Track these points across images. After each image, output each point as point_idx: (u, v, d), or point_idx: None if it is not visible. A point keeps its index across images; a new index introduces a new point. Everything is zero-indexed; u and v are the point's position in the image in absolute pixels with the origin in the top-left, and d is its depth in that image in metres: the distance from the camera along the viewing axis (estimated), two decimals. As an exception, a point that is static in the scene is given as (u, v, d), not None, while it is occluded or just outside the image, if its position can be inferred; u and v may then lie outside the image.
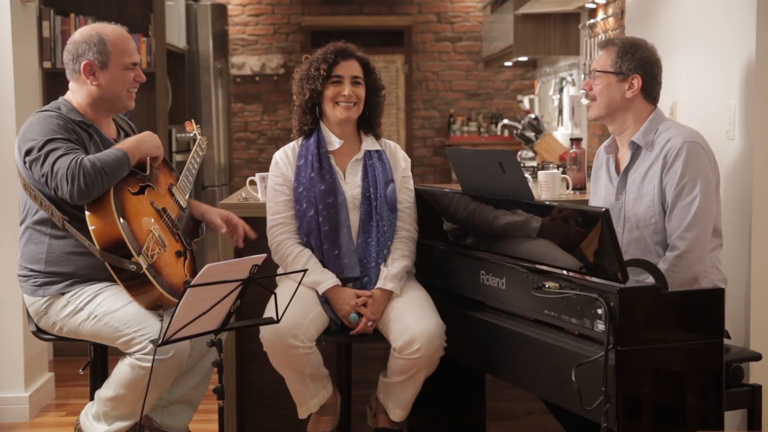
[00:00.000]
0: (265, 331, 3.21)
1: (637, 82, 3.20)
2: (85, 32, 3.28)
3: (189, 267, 3.31)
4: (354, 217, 3.39)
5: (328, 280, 3.31)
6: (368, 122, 3.49)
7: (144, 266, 3.06)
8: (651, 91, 3.23)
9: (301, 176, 3.40)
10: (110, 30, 3.29)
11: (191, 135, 3.63)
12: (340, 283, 3.32)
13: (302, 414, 3.37)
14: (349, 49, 3.43)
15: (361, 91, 3.42)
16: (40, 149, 3.09)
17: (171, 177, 3.40)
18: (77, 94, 3.28)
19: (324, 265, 3.36)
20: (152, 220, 3.19)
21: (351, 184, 3.40)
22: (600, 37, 5.98)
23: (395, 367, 3.26)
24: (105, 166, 3.07)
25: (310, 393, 3.32)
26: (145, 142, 3.26)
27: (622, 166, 3.27)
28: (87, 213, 3.09)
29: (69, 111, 3.23)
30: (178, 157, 6.48)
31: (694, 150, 3.08)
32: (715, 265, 3.16)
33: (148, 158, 3.29)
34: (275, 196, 3.44)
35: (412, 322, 3.21)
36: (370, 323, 3.27)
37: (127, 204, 3.13)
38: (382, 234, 3.37)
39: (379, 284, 3.31)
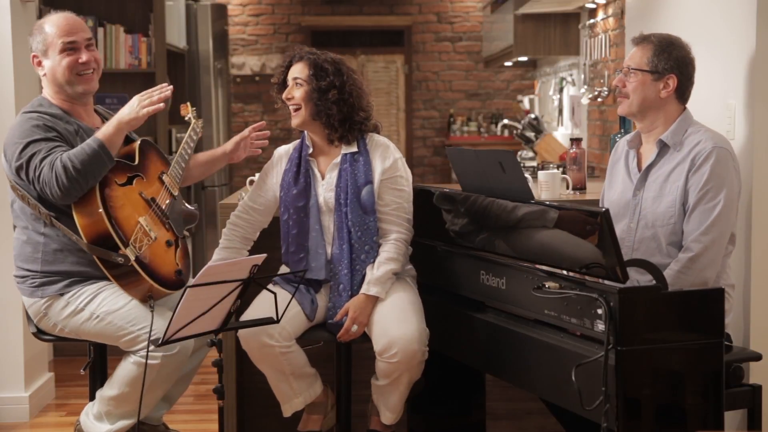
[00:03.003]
0: (241, 330, 3.23)
1: (672, 82, 3.17)
2: (37, 24, 3.30)
3: (181, 256, 3.30)
4: (329, 221, 3.38)
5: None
6: (329, 126, 3.38)
7: (132, 258, 3.06)
8: (684, 91, 3.21)
9: (284, 180, 3.43)
10: (54, 16, 3.28)
11: (186, 118, 3.61)
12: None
13: (286, 412, 3.39)
14: (298, 53, 3.42)
15: (301, 92, 3.35)
16: (20, 155, 3.09)
17: (162, 165, 3.38)
18: (46, 88, 3.29)
19: (288, 266, 3.40)
20: (140, 210, 3.19)
21: (326, 188, 3.39)
22: (600, 37, 5.98)
23: (379, 371, 3.27)
24: (79, 165, 3.04)
25: (293, 392, 3.34)
26: (122, 120, 3.18)
27: (644, 163, 3.25)
28: (73, 207, 3.10)
29: (49, 106, 3.23)
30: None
31: (723, 156, 3.08)
32: (724, 270, 3.15)
33: (137, 147, 3.27)
34: (255, 193, 3.51)
35: (392, 326, 3.21)
36: (355, 327, 3.26)
37: (113, 196, 3.13)
38: (356, 240, 3.33)
39: (363, 289, 3.30)
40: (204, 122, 6.99)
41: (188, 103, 3.65)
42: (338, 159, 3.40)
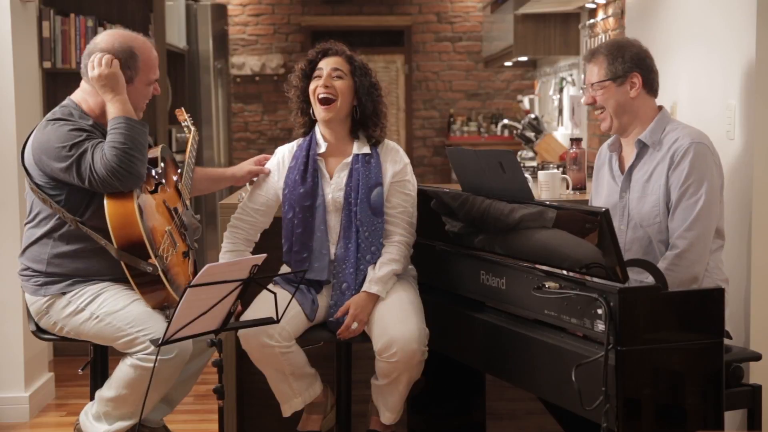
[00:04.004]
0: (242, 330, 3.23)
1: (637, 79, 3.21)
2: (114, 40, 3.18)
3: (192, 268, 3.31)
4: (335, 221, 3.38)
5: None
6: (361, 123, 3.42)
7: (160, 268, 3.06)
8: (652, 83, 3.26)
9: (288, 178, 3.42)
10: (141, 43, 3.22)
11: (184, 124, 3.60)
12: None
13: (286, 412, 3.39)
14: (336, 48, 3.43)
15: (342, 84, 3.37)
16: (68, 157, 3.05)
17: (175, 173, 3.39)
18: (90, 97, 3.21)
19: (289, 266, 3.39)
20: (166, 220, 3.19)
21: (335, 188, 3.39)
22: (600, 37, 5.98)
23: (378, 370, 3.27)
24: (126, 141, 3.03)
25: (293, 392, 3.34)
26: (116, 93, 3.12)
27: (627, 165, 3.28)
28: (107, 211, 3.05)
29: (81, 116, 3.17)
30: (178, 157, 6.45)
31: (701, 151, 3.10)
32: (717, 266, 3.17)
33: (159, 153, 3.26)
34: (256, 194, 3.48)
35: (392, 325, 3.21)
36: (356, 325, 3.26)
37: (146, 203, 3.12)
38: (363, 240, 3.34)
39: (364, 287, 3.31)
40: (204, 122, 7.07)
41: (182, 108, 3.63)
42: (349, 159, 3.40)
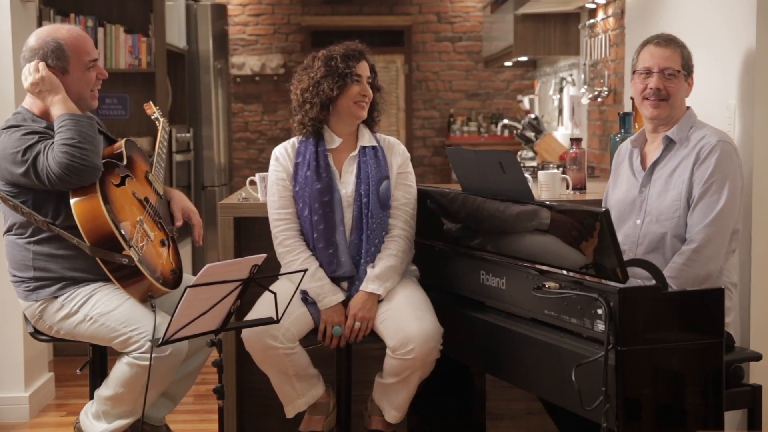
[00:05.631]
0: (245, 331, 3.23)
1: (692, 80, 3.28)
2: (40, 38, 3.21)
3: (173, 255, 3.31)
4: (348, 216, 3.39)
5: (336, 296, 3.31)
6: (370, 120, 3.50)
7: (135, 259, 3.07)
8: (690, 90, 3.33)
9: (298, 175, 3.41)
10: (65, 32, 3.23)
11: (153, 117, 3.61)
12: (343, 299, 3.33)
13: (289, 413, 3.39)
14: (362, 50, 3.46)
15: (370, 90, 3.44)
16: (24, 162, 3.06)
17: (145, 164, 3.40)
18: (38, 100, 3.21)
19: (319, 264, 3.36)
20: (136, 211, 3.20)
21: (345, 183, 3.41)
22: (600, 37, 5.98)
23: (389, 368, 3.26)
24: (74, 136, 3.03)
25: (297, 393, 3.34)
26: (55, 96, 3.13)
27: (649, 161, 3.29)
28: (74, 210, 3.08)
29: (34, 120, 3.19)
30: (178, 157, 6.47)
31: (727, 150, 3.13)
32: (728, 268, 3.18)
33: (124, 147, 3.27)
34: (280, 191, 3.43)
35: (408, 322, 3.21)
36: (358, 324, 3.27)
37: (112, 197, 3.14)
38: (371, 231, 3.36)
39: (362, 287, 3.31)
40: (204, 122, 7.07)
41: (150, 102, 3.66)
42: (355, 152, 3.43)
